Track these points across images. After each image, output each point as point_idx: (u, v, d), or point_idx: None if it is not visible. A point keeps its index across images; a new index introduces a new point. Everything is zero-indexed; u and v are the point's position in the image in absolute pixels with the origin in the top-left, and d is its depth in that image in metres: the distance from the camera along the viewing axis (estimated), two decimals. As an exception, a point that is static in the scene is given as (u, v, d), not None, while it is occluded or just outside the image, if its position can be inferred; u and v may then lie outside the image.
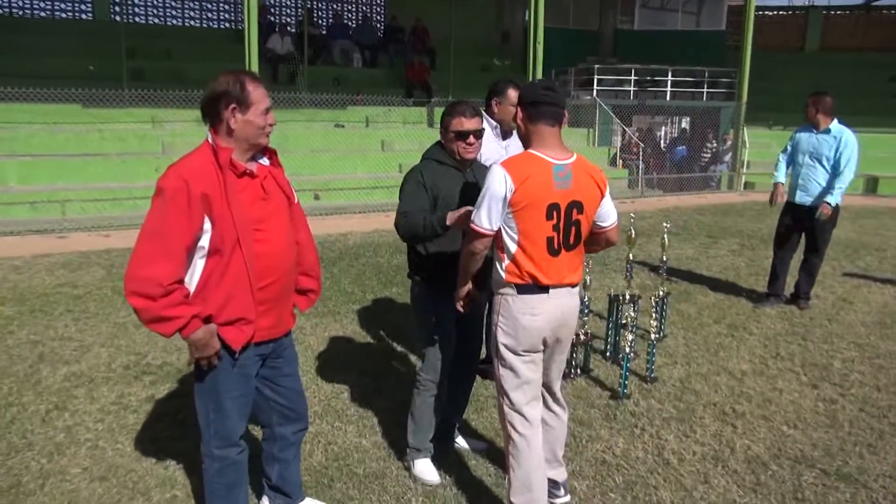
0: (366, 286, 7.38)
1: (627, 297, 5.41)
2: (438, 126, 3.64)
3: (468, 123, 3.49)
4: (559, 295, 3.07)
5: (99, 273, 7.71)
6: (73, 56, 15.31)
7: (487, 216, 2.95)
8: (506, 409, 3.14)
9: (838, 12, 25.29)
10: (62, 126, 12.29)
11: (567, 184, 2.97)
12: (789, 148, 6.96)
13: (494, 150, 4.34)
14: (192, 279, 2.70)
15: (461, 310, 3.30)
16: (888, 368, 5.33)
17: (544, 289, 3.03)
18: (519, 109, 3.09)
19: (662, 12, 21.01)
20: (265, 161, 2.88)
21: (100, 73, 14.74)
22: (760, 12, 22.53)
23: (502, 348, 3.10)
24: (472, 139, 3.50)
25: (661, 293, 5.75)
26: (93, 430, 4.12)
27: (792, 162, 6.91)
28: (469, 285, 3.24)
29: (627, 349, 4.76)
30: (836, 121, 6.58)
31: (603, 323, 5.82)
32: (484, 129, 3.60)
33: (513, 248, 2.99)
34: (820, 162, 6.59)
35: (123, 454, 3.85)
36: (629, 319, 5.09)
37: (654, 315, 5.55)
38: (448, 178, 3.54)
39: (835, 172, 6.52)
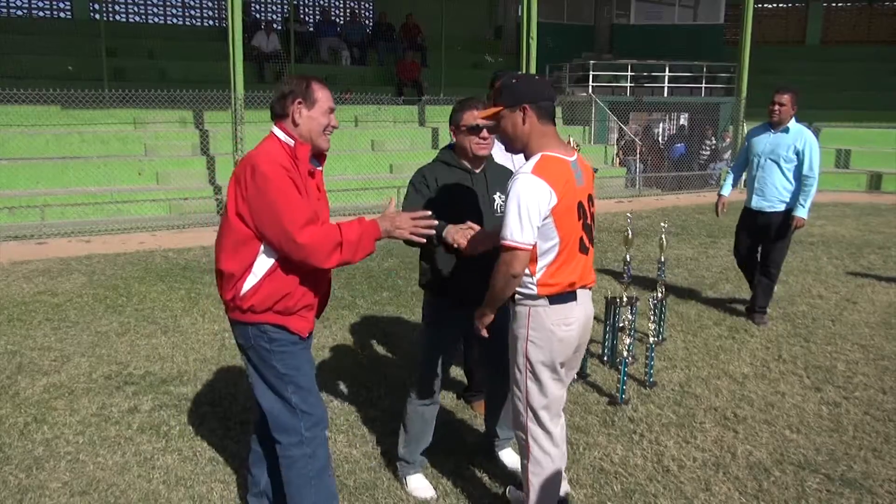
0: (356, 291, 7.29)
1: (625, 299, 5.32)
2: (449, 125, 3.55)
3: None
4: (584, 299, 3.00)
5: (79, 280, 7.61)
6: (51, 56, 15.12)
7: (527, 231, 2.75)
8: (531, 426, 3.02)
9: (840, 4, 25.17)
10: (41, 128, 12.10)
11: (581, 179, 2.93)
12: (741, 155, 6.68)
13: (501, 152, 4.12)
14: (269, 260, 2.79)
15: (485, 335, 3.11)
16: (893, 370, 5.25)
17: (573, 295, 2.93)
18: (527, 109, 2.86)
19: (659, 6, 20.88)
20: (319, 167, 3.03)
21: (79, 73, 14.58)
22: (759, 5, 22.35)
23: (536, 364, 2.94)
24: (485, 133, 3.41)
25: (659, 295, 5.67)
26: (73, 443, 4.03)
27: (745, 166, 6.58)
28: (492, 315, 3.03)
29: (625, 353, 4.69)
30: (793, 118, 6.20)
31: (600, 326, 5.73)
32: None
33: (551, 256, 2.85)
34: (777, 163, 6.14)
35: (105, 468, 3.78)
36: (627, 322, 5.01)
37: (652, 318, 5.46)
38: (453, 179, 3.46)
39: (798, 177, 6.13)
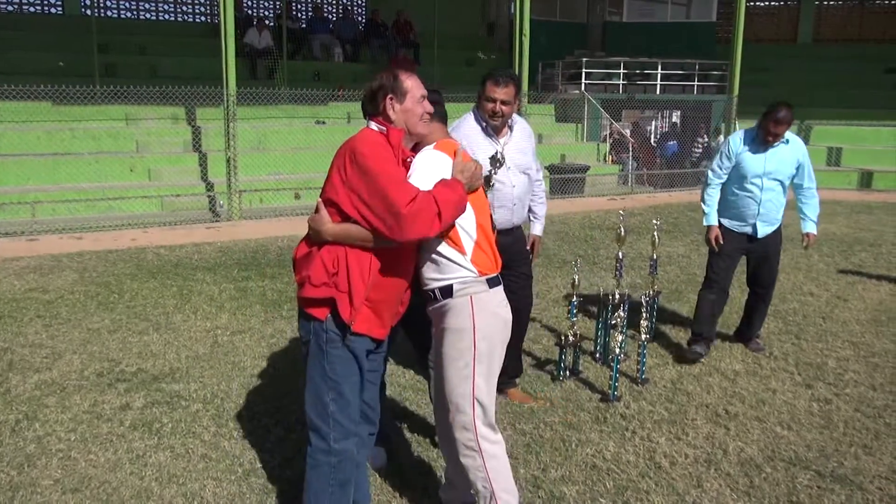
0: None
1: (617, 296, 5.32)
2: None
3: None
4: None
5: (71, 277, 7.57)
6: (42, 52, 15.00)
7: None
8: (478, 423, 2.90)
9: (832, 3, 25.24)
10: (31, 124, 11.98)
11: None
12: (723, 173, 5.35)
13: (487, 150, 4.03)
14: (354, 249, 2.78)
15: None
16: (883, 367, 5.27)
17: (499, 277, 2.96)
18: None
19: (652, 4, 20.91)
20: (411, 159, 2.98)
21: (71, 69, 14.48)
22: (752, 3, 22.44)
23: (485, 355, 2.88)
24: None
25: (651, 292, 5.67)
26: (64, 441, 4.01)
27: (727, 185, 5.41)
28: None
29: (617, 350, 4.69)
30: None
31: (592, 323, 5.74)
32: None
33: (472, 230, 2.87)
34: (782, 183, 5.30)
35: (97, 465, 3.76)
36: (619, 319, 5.01)
37: (644, 315, 5.45)
38: None
39: (798, 190, 5.47)
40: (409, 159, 2.88)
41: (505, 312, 2.95)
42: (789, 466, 3.82)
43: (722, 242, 5.40)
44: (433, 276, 2.91)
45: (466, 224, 2.86)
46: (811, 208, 5.52)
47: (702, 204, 5.49)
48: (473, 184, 2.88)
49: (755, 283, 5.60)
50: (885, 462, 3.88)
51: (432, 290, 2.92)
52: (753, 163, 5.23)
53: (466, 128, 4.14)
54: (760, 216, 5.32)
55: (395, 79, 2.83)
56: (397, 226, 2.64)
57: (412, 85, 2.84)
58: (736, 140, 5.35)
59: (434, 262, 2.88)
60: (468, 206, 2.84)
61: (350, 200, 2.71)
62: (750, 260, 5.54)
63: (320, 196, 2.84)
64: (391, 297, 2.86)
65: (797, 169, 5.33)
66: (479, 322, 2.87)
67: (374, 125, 2.86)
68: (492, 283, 2.90)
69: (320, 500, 2.91)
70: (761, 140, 5.20)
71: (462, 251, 2.86)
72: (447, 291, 2.88)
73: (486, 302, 2.88)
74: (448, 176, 2.82)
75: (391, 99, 2.82)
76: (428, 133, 2.92)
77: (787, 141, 5.27)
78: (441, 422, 3.10)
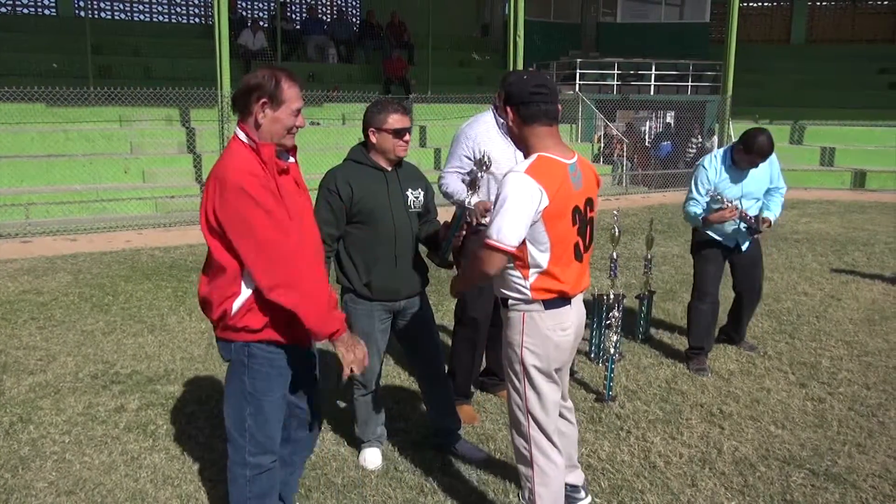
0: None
1: (612, 296, 5.33)
2: (365, 127, 3.60)
3: (403, 121, 3.54)
4: (577, 303, 2.96)
5: (65, 279, 7.57)
6: (36, 53, 14.99)
7: (510, 232, 2.68)
8: (532, 433, 2.93)
9: (825, 3, 25.30)
10: (25, 126, 12.00)
11: (580, 182, 2.85)
12: (702, 200, 5.13)
13: (503, 150, 4.03)
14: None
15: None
16: (877, 366, 5.28)
17: (567, 300, 2.89)
18: (509, 110, 2.84)
19: (645, 4, 20.95)
20: (292, 159, 2.84)
21: (64, 70, 14.50)
22: (745, 3, 22.46)
23: (532, 370, 2.87)
24: (407, 136, 3.57)
25: (646, 292, 5.68)
26: (59, 443, 4.01)
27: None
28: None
29: (612, 350, 4.70)
30: None
31: (587, 323, 5.74)
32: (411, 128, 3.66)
33: (543, 262, 2.78)
34: (759, 199, 5.21)
35: (91, 467, 3.76)
36: (614, 319, 5.01)
37: (642, 315, 5.47)
38: (367, 177, 3.57)
39: (767, 192, 5.28)
40: (286, 168, 2.70)
41: (559, 336, 2.88)
42: (783, 465, 3.83)
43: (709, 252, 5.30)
44: (498, 286, 2.93)
45: (539, 250, 2.77)
46: (775, 204, 5.32)
47: (689, 220, 5.30)
48: (338, 351, 2.72)
49: (745, 288, 5.48)
50: (878, 460, 3.90)
51: (497, 297, 2.99)
52: (730, 189, 5.03)
53: (483, 125, 4.14)
54: (741, 233, 5.19)
55: (276, 84, 2.60)
56: (270, 275, 2.54)
57: (291, 95, 2.63)
58: (711, 169, 5.09)
59: (501, 273, 2.86)
60: (543, 234, 2.74)
61: (229, 233, 2.55)
62: (737, 268, 5.43)
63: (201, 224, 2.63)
64: None
65: (771, 178, 5.19)
66: (527, 340, 2.86)
67: (242, 135, 2.64)
68: (549, 305, 2.84)
69: None
70: (738, 166, 5.02)
71: (525, 276, 2.81)
72: (505, 303, 2.91)
73: (537, 322, 2.84)
74: (530, 212, 2.67)
75: (264, 104, 2.60)
76: (293, 146, 2.76)
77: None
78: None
